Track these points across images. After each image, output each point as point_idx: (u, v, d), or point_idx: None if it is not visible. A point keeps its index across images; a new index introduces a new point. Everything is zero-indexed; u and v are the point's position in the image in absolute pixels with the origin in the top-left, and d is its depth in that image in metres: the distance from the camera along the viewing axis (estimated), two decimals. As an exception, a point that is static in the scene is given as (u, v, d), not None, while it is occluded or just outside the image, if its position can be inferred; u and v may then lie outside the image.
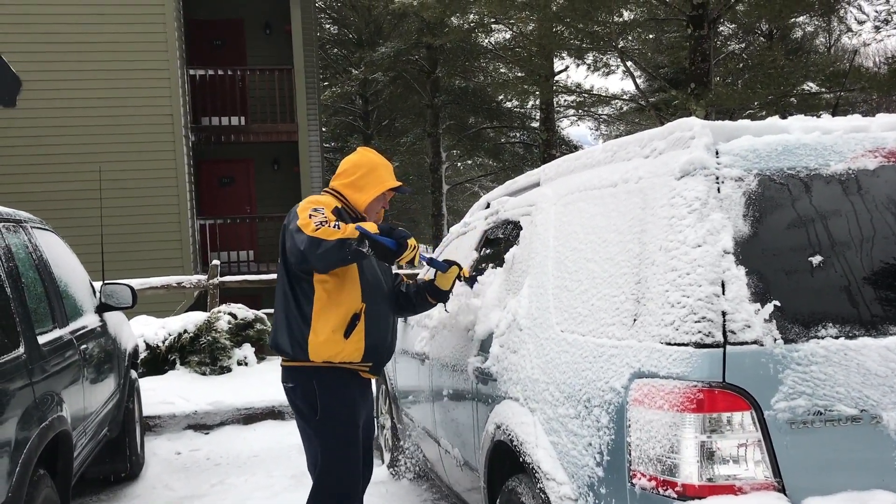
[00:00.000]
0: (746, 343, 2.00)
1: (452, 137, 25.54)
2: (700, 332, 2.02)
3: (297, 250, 3.06)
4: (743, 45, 18.97)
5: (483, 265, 3.72)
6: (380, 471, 5.53)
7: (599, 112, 26.28)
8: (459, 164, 32.00)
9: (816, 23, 24.50)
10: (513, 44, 21.76)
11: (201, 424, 6.80)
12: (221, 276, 10.21)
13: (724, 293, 2.04)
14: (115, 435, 5.09)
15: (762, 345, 2.00)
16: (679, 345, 2.05)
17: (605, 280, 2.44)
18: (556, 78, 21.04)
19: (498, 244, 3.66)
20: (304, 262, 3.09)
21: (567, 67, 21.60)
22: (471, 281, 3.50)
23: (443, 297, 3.54)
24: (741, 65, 17.74)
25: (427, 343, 4.09)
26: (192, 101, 15.96)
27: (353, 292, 3.25)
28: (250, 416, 6.86)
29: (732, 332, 2.01)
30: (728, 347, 2.00)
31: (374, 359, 3.37)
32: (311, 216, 3.05)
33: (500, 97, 24.84)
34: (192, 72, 15.97)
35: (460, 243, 4.36)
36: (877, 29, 17.51)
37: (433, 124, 23.85)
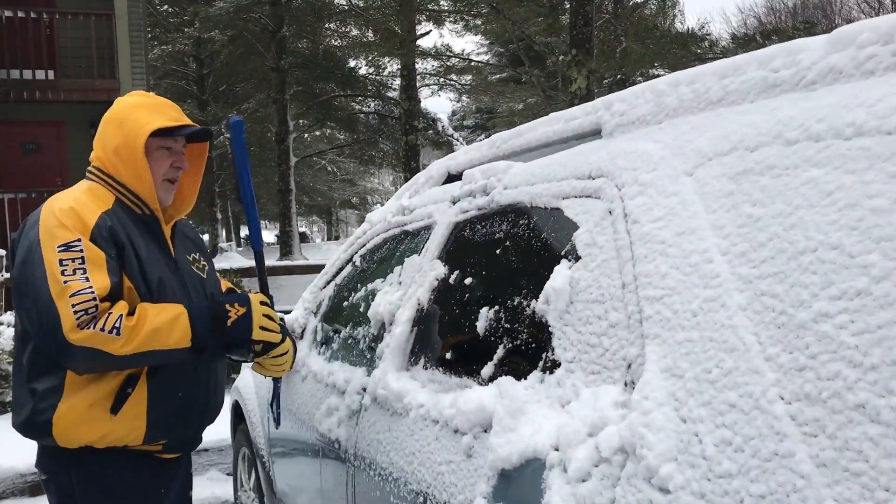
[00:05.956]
0: None
1: (301, 105, 23.20)
2: None
3: (40, 330, 1.93)
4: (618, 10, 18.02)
5: (461, 291, 1.97)
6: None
7: (462, 81, 24.75)
8: (307, 135, 29.52)
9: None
10: (368, 3, 19.86)
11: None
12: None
13: None
14: None
15: None
16: None
17: None
18: (419, 42, 19.39)
19: (494, 250, 1.92)
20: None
21: (430, 32, 20.00)
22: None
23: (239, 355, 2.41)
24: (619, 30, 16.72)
25: (344, 426, 2.29)
26: (-17, 49, 13.10)
27: None
28: None
29: None
30: None
31: (170, 436, 2.18)
32: (62, 277, 1.90)
33: (353, 63, 22.83)
34: (-18, 12, 13.08)
35: (392, 247, 2.57)
36: None
37: (279, 90, 21.41)
